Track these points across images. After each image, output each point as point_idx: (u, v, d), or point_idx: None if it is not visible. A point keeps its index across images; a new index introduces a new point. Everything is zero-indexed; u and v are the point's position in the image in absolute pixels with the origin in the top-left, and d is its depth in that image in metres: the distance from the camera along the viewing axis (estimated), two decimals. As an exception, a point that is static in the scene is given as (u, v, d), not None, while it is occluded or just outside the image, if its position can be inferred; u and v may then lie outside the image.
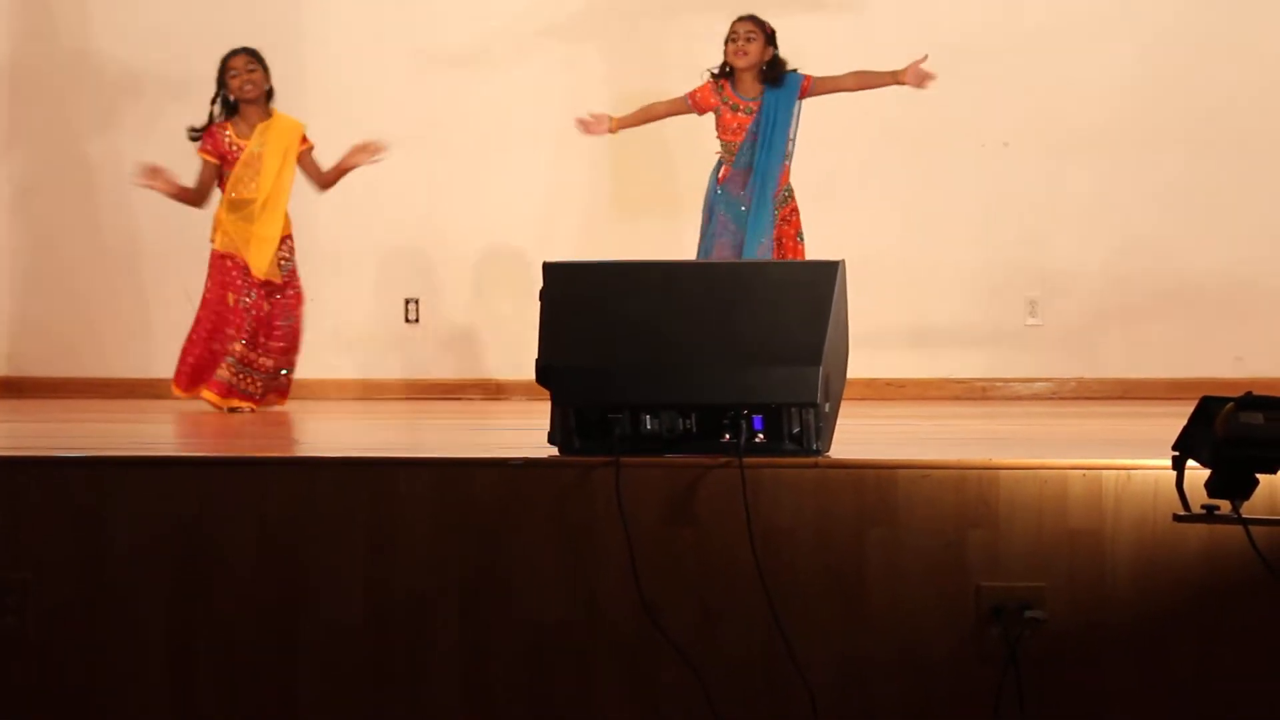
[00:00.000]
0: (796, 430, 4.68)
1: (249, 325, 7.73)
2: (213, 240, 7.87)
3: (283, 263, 7.85)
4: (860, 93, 8.32)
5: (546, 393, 4.82)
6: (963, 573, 4.62)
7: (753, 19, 7.71)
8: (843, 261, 4.81)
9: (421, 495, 4.73)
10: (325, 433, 7.10)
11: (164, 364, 9.30)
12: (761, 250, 7.59)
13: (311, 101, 9.28)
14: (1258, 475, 3.98)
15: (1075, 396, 8.73)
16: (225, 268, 7.81)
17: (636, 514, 4.59)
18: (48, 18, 9.44)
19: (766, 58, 7.67)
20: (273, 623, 4.75)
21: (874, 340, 8.17)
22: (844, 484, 4.65)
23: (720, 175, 7.74)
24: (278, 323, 7.79)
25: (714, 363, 4.71)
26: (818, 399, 4.66)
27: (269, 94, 7.93)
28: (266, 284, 7.78)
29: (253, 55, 7.93)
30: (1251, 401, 3.95)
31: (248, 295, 7.75)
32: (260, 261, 7.79)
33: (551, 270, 4.91)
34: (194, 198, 7.89)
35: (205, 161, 7.87)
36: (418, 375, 8.58)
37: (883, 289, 8.03)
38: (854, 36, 8.99)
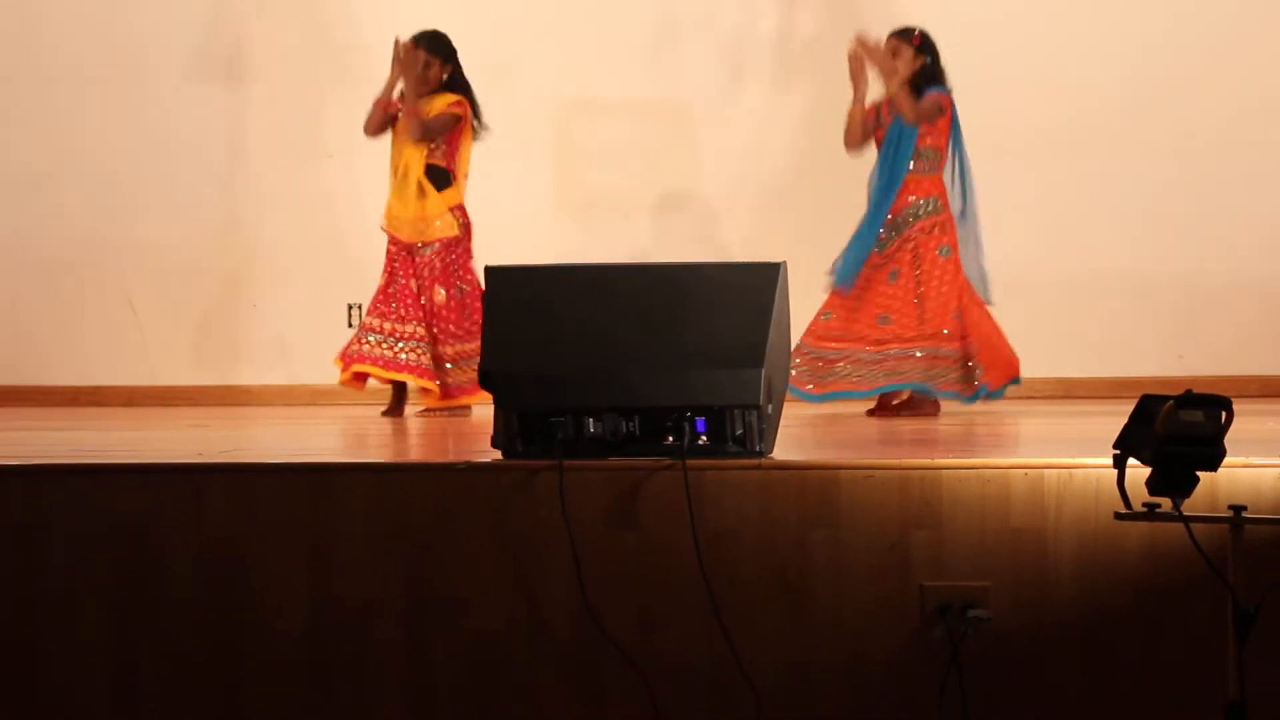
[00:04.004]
0: (739, 432, 4.68)
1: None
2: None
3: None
4: (786, 98, 8.41)
5: (489, 397, 4.81)
6: (906, 573, 4.63)
7: (899, 34, 7.71)
8: (784, 263, 4.81)
9: (363, 500, 4.72)
10: (266, 438, 7.06)
11: (104, 371, 9.27)
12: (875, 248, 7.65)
13: (254, 105, 9.25)
14: (1198, 473, 4.00)
15: (1017, 396, 8.76)
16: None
17: (580, 517, 4.59)
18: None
19: (917, 67, 7.65)
20: (215, 631, 4.72)
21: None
22: (787, 485, 4.65)
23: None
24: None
25: (656, 365, 4.71)
26: (760, 401, 4.66)
27: (446, 83, 7.93)
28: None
29: (431, 49, 7.90)
30: (1192, 399, 3.97)
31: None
32: (424, 227, 7.90)
33: (494, 274, 4.92)
34: (376, 114, 7.97)
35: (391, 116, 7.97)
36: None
37: (823, 290, 8.01)
38: (807, 35, 9.03)
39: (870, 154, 7.84)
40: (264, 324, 9.29)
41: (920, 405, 7.61)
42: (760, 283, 4.78)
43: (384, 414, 7.87)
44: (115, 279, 9.32)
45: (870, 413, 7.64)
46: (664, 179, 9.30)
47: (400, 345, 7.82)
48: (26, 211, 9.33)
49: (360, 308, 8.93)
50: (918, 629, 4.62)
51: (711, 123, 9.23)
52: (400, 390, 7.94)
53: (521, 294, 4.88)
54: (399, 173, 7.91)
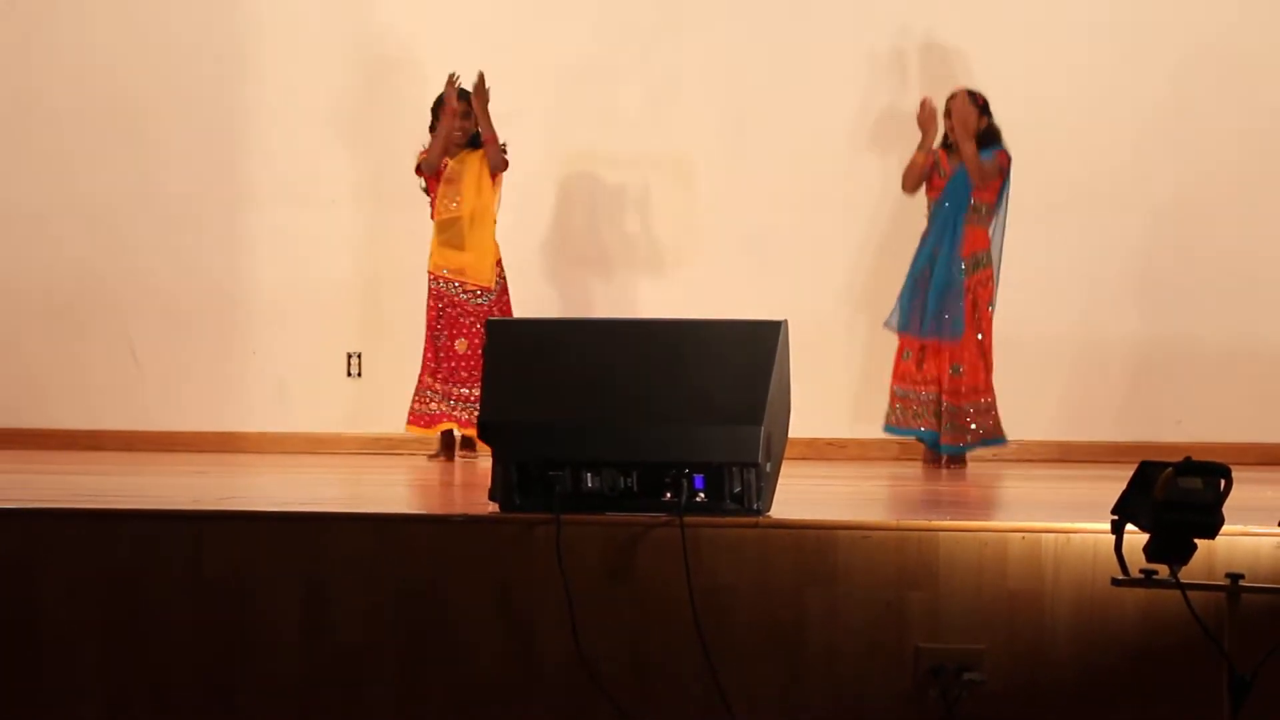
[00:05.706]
0: (737, 490, 4.68)
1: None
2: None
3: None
4: (788, 155, 8.80)
5: (487, 449, 4.81)
6: (902, 633, 4.62)
7: (968, 92, 8.11)
8: (785, 321, 4.82)
9: (360, 550, 4.71)
10: (264, 486, 7.05)
11: (104, 415, 9.26)
12: (950, 296, 7.99)
13: (252, 156, 9.27)
14: (1195, 540, 4.00)
15: (1015, 459, 8.75)
16: (436, 293, 8.05)
17: (576, 571, 4.58)
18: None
19: (982, 126, 8.06)
20: (208, 677, 4.71)
21: (816, 400, 8.18)
22: (784, 544, 4.64)
23: (923, 234, 8.17)
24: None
25: (656, 421, 4.71)
26: (759, 459, 4.66)
27: (475, 138, 8.08)
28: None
29: (468, 100, 8.09)
30: (1190, 467, 3.97)
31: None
32: (481, 270, 8.00)
33: (494, 326, 4.94)
34: (436, 146, 8.06)
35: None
36: (359, 430, 8.52)
37: (824, 348, 8.03)
38: (809, 91, 9.06)
39: (911, 207, 8.07)
40: (263, 370, 9.28)
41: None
42: (761, 341, 4.78)
43: (431, 458, 8.06)
44: (115, 323, 9.32)
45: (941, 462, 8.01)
46: (665, 233, 9.30)
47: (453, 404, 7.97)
48: (27, 254, 9.34)
49: (360, 356, 8.94)
50: (912, 690, 4.61)
51: (713, 178, 9.24)
52: (448, 436, 8.08)
53: (522, 346, 4.89)
54: (467, 217, 7.98)
